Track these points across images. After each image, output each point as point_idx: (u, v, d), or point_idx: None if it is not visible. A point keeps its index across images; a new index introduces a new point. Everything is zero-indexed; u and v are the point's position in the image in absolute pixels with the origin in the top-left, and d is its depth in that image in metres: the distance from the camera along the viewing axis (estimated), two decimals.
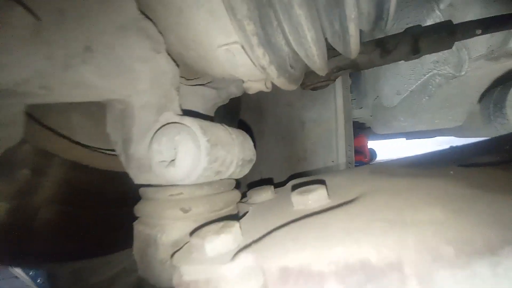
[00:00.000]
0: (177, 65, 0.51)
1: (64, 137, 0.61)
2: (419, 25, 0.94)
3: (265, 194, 0.65)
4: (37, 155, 0.56)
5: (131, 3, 0.46)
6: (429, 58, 1.49)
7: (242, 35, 0.41)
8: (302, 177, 1.17)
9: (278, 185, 0.70)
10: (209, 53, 0.48)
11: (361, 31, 0.58)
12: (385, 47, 1.01)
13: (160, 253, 0.44)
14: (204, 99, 0.63)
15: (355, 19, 0.42)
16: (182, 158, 0.41)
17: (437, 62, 1.50)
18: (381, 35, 0.98)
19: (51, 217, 0.58)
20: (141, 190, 0.51)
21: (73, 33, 0.39)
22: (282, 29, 0.45)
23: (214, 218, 0.49)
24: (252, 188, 0.72)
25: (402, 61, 1.65)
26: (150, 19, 0.48)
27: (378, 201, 0.36)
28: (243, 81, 0.56)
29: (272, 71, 0.45)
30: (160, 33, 0.49)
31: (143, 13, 0.48)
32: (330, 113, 1.32)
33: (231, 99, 0.73)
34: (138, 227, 0.49)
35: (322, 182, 0.51)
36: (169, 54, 0.50)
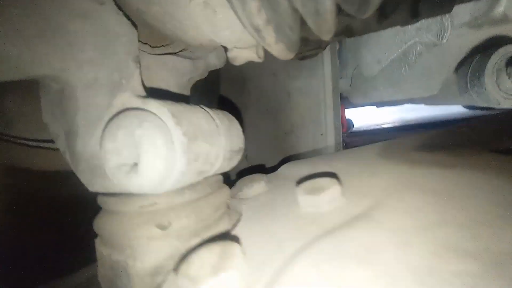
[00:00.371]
0: (135, 26, 0.36)
1: None
2: None
3: (257, 186, 0.55)
4: None
5: None
6: (411, 26, 1.43)
7: None
8: (294, 158, 1.07)
9: (268, 169, 0.60)
10: (180, 9, 0.34)
11: None
12: (383, 11, 0.90)
13: (136, 285, 0.33)
14: (176, 72, 0.49)
15: None
16: (148, 161, 0.28)
17: (420, 29, 1.46)
18: None
19: None
20: (100, 199, 0.38)
21: None
22: None
23: (201, 230, 0.38)
24: (241, 176, 0.61)
25: (385, 30, 1.56)
26: None
27: (417, 207, 0.28)
28: (226, 49, 0.42)
29: (269, 34, 0.32)
30: None
31: None
32: (318, 82, 1.21)
33: (210, 71, 0.59)
34: (101, 249, 0.37)
35: (331, 175, 0.42)
36: (121, 10, 0.34)
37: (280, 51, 0.38)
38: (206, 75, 0.55)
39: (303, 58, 1.09)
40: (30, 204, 0.48)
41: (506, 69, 1.15)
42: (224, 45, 0.40)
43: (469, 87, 1.34)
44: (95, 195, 0.42)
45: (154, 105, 0.31)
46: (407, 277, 0.20)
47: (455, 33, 1.31)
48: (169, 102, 0.32)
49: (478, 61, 1.27)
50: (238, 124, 0.46)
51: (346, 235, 0.29)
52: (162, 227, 0.34)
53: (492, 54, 1.18)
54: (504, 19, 1.19)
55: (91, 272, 0.48)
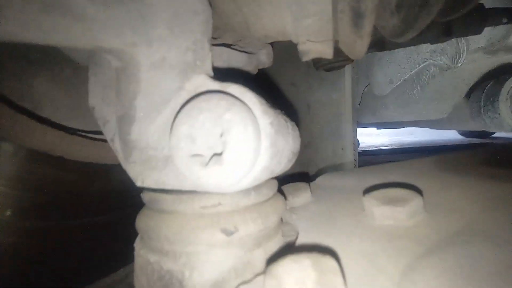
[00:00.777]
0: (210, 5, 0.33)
1: (25, 112, 0.39)
2: None
3: (303, 195, 0.50)
4: None
5: None
6: (426, 47, 1.45)
7: None
8: (314, 171, 1.03)
9: (287, 178, 0.56)
10: None
11: None
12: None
13: None
14: (230, 66, 0.45)
15: None
16: (237, 150, 0.24)
17: (434, 51, 1.47)
18: None
19: (8, 240, 0.37)
20: (149, 196, 0.33)
21: None
22: None
23: (263, 239, 0.33)
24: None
25: (399, 49, 1.58)
26: None
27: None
28: (297, 43, 0.39)
29: (370, 23, 0.29)
30: None
31: None
32: (339, 96, 1.20)
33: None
34: (146, 255, 0.32)
35: (406, 185, 0.38)
36: None
37: (363, 46, 0.35)
38: (256, 72, 0.52)
39: (329, 69, 1.08)
40: (60, 195, 0.42)
41: None
42: (296, 38, 0.37)
43: (482, 112, 1.34)
44: (128, 193, 0.37)
45: (238, 89, 0.27)
46: None
47: (470, 57, 1.33)
48: (250, 89, 0.29)
49: (492, 86, 1.29)
50: (296, 125, 0.42)
51: (461, 250, 0.25)
52: (228, 232, 0.29)
53: (506, 80, 1.20)
54: None
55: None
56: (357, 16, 0.31)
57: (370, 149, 3.72)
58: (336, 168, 1.14)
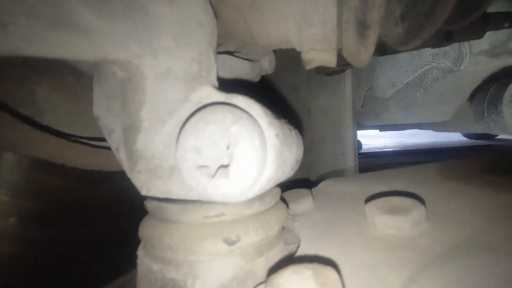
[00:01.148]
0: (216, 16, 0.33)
1: (27, 120, 0.39)
2: None
3: (305, 202, 0.50)
4: None
5: None
6: (428, 51, 1.45)
7: None
8: (315, 177, 1.03)
9: (288, 184, 0.56)
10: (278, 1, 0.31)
11: None
12: None
13: None
14: (232, 73, 0.46)
15: None
16: (244, 163, 0.24)
17: (437, 55, 1.47)
18: None
19: (8, 250, 0.37)
20: (153, 205, 0.33)
21: None
22: None
23: (265, 247, 0.33)
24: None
25: (400, 53, 1.58)
26: None
27: None
28: (301, 52, 0.39)
29: (374, 34, 0.29)
30: None
31: None
32: (339, 101, 1.20)
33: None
34: (148, 264, 0.32)
35: (409, 194, 0.38)
36: None
37: (367, 55, 0.35)
38: (258, 79, 0.52)
39: (330, 73, 1.08)
40: (62, 204, 0.43)
41: None
42: (300, 46, 0.37)
43: (486, 115, 1.34)
44: (130, 202, 0.37)
45: (244, 101, 0.27)
46: None
47: (472, 60, 1.33)
48: (256, 100, 0.29)
49: (495, 89, 1.29)
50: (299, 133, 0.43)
51: (462, 262, 0.25)
52: (230, 242, 0.29)
53: (509, 83, 1.20)
54: None
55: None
56: (362, 27, 0.31)
57: (372, 151, 3.71)
58: (337, 173, 1.14)
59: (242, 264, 0.30)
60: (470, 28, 0.95)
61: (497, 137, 3.58)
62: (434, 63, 1.47)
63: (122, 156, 0.34)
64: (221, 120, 0.25)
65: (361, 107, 2.02)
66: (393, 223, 0.33)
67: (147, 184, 0.32)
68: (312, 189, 0.60)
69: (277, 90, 1.26)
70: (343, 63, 1.01)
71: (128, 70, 0.30)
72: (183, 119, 0.28)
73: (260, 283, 0.28)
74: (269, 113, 0.28)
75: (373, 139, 4.50)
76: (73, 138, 0.44)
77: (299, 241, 0.38)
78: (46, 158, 0.39)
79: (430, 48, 1.45)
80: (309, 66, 0.40)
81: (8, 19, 0.20)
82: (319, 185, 0.62)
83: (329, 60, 0.38)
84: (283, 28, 0.35)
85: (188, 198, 0.30)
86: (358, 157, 1.29)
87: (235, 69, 0.46)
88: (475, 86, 1.45)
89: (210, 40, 0.31)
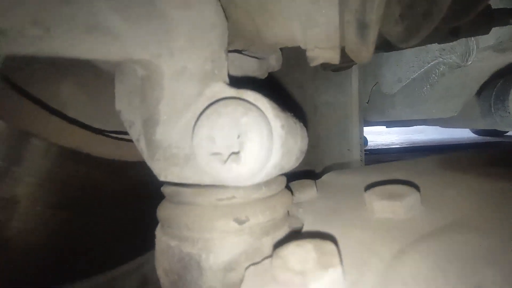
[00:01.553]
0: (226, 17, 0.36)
1: (54, 112, 0.44)
2: None
3: (309, 191, 0.53)
4: (13, 137, 0.39)
5: None
6: (435, 46, 1.44)
7: None
8: (321, 171, 1.05)
9: (295, 176, 0.59)
10: (283, 2, 0.35)
11: None
12: None
13: (207, 280, 0.32)
14: (241, 71, 0.49)
15: None
16: (253, 150, 0.28)
17: (443, 50, 1.47)
18: None
19: (39, 227, 0.42)
20: (170, 189, 0.37)
21: None
22: None
23: (271, 228, 0.37)
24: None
25: (407, 49, 1.58)
26: None
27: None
28: (305, 50, 0.42)
29: (374, 33, 0.32)
30: None
31: None
32: (346, 97, 1.22)
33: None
34: (167, 241, 0.36)
35: (405, 182, 0.41)
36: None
37: (369, 52, 0.38)
38: (266, 75, 0.55)
39: (336, 69, 1.10)
40: (88, 190, 0.47)
41: None
42: (305, 44, 0.40)
43: (492, 111, 1.34)
44: (147, 189, 0.40)
45: (252, 95, 0.30)
46: None
47: (479, 56, 1.32)
48: (263, 95, 0.32)
49: (502, 85, 1.28)
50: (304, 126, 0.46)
51: (449, 238, 0.27)
52: (240, 222, 0.33)
53: None
54: None
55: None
56: (362, 27, 0.34)
57: (379, 147, 3.69)
58: (342, 168, 1.16)
59: (250, 241, 0.34)
60: (476, 24, 0.95)
61: (507, 134, 3.52)
62: (441, 58, 1.47)
63: (142, 146, 0.37)
64: (232, 112, 0.28)
65: (367, 103, 2.02)
66: (389, 208, 0.36)
67: (165, 171, 0.36)
68: (317, 180, 0.63)
69: (284, 87, 1.29)
70: (347, 60, 1.03)
71: (148, 68, 0.34)
72: (198, 112, 0.32)
73: (267, 257, 0.31)
74: (275, 106, 0.31)
75: (380, 136, 4.47)
76: (96, 130, 0.48)
77: (303, 224, 0.41)
78: (73, 147, 0.43)
79: (436, 43, 1.45)
80: (313, 63, 0.43)
81: (51, 24, 0.24)
82: (323, 177, 0.65)
83: (333, 57, 0.41)
84: (289, 28, 0.38)
85: (202, 183, 0.34)
86: (365, 154, 1.31)
87: (243, 67, 0.49)
88: (482, 81, 1.45)
89: (222, 40, 0.35)
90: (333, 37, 0.37)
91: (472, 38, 1.39)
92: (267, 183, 0.37)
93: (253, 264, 0.31)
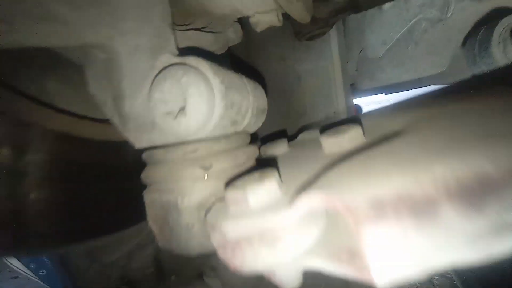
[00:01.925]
0: None
1: (46, 104, 0.51)
2: None
3: (281, 148, 0.59)
4: (16, 127, 0.47)
5: None
6: (415, 2, 1.44)
7: None
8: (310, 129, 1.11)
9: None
10: None
11: None
12: None
13: (185, 218, 0.39)
14: (199, 46, 0.54)
15: None
16: (195, 103, 0.33)
17: (423, 5, 1.46)
18: None
19: (46, 196, 0.50)
20: (147, 154, 0.43)
21: None
22: None
23: (234, 172, 0.43)
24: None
25: (388, 9, 1.58)
26: None
27: (442, 122, 0.31)
28: (248, 17, 0.47)
29: None
30: None
31: None
32: (326, 63, 1.25)
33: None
34: (151, 195, 0.42)
35: (353, 121, 0.46)
36: None
37: (300, 9, 0.42)
38: (225, 49, 0.60)
39: (311, 38, 1.13)
40: (81, 167, 0.55)
41: (511, 38, 1.16)
42: (246, 11, 0.45)
43: (478, 60, 1.34)
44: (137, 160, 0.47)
45: (193, 59, 0.36)
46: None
47: (458, 6, 1.31)
48: (205, 59, 0.37)
49: (484, 33, 1.28)
50: (261, 88, 0.51)
51: (376, 149, 0.32)
52: (205, 168, 0.39)
53: (496, 25, 1.19)
54: None
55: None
56: None
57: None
58: None
59: (217, 184, 0.40)
60: None
61: None
62: (421, 15, 1.47)
63: (116, 120, 0.44)
64: (174, 74, 0.34)
65: (356, 70, 2.02)
66: (335, 143, 0.42)
67: (138, 139, 0.42)
68: (292, 141, 0.69)
69: (267, 62, 1.32)
70: (318, 27, 1.05)
71: (105, 51, 0.39)
72: (151, 81, 0.37)
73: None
74: (214, 66, 0.36)
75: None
76: (82, 116, 0.55)
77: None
78: (65, 131, 0.51)
79: (412, 0, 1.45)
80: (258, 29, 0.47)
81: (12, 19, 0.30)
82: (298, 136, 0.70)
83: (273, 20, 0.45)
84: None
85: (168, 142, 0.40)
86: None
87: (201, 42, 0.54)
88: (465, 32, 1.44)
89: (165, 16, 0.39)
90: (267, 1, 0.41)
91: None
92: (227, 136, 0.43)
93: (218, 200, 0.38)
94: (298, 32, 1.09)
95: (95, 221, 0.56)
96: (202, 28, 0.56)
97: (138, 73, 0.39)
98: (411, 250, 0.19)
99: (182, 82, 0.33)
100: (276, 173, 0.31)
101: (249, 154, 0.45)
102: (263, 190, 0.29)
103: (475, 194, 0.17)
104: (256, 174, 0.32)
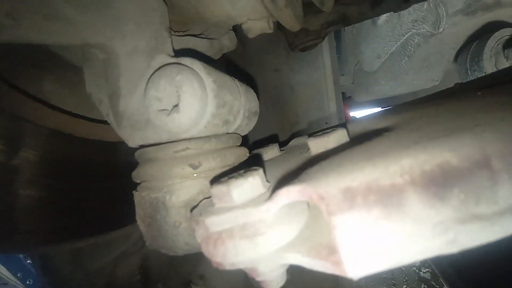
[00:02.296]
0: (165, 3, 0.43)
1: (40, 101, 0.52)
2: None
3: (271, 152, 0.60)
4: (12, 123, 0.48)
5: None
6: (407, 18, 1.49)
7: None
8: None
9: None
10: None
11: None
12: None
13: (172, 216, 0.39)
14: (194, 50, 0.56)
15: None
16: (188, 100, 0.35)
17: (416, 21, 1.52)
18: None
19: (35, 193, 0.50)
20: (139, 152, 0.44)
21: None
22: None
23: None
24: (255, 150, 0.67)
25: (382, 24, 1.63)
26: None
27: (419, 122, 0.33)
28: (241, 24, 0.49)
29: (281, 0, 0.39)
30: None
31: None
32: (319, 74, 1.28)
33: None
34: (140, 193, 0.43)
35: (340, 126, 0.48)
36: None
37: (289, 16, 0.45)
38: (220, 55, 0.62)
39: (304, 49, 1.16)
40: (72, 165, 0.55)
41: (503, 52, 1.20)
42: (240, 18, 0.47)
43: (469, 73, 1.38)
44: (129, 161, 0.48)
45: (188, 60, 0.37)
46: None
47: (451, 21, 1.36)
48: (199, 60, 0.39)
49: (476, 47, 1.33)
50: (253, 91, 0.52)
51: (357, 146, 0.34)
52: (194, 166, 0.40)
53: (488, 38, 1.24)
54: (496, 4, 1.25)
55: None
56: None
57: None
58: None
59: (205, 183, 0.41)
60: None
61: None
62: (414, 30, 1.52)
63: (111, 118, 0.45)
64: (169, 73, 0.35)
65: (352, 83, 2.07)
66: (321, 144, 0.43)
67: (131, 137, 0.43)
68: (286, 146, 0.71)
69: (262, 73, 1.35)
70: (311, 38, 1.08)
71: (105, 51, 0.41)
72: (147, 80, 0.39)
73: None
74: (208, 67, 0.38)
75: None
76: (76, 115, 0.56)
77: None
78: (58, 129, 0.51)
79: (410, 14, 1.50)
80: (250, 35, 0.50)
81: (18, 15, 0.31)
82: (290, 142, 0.72)
83: (264, 27, 0.48)
84: (220, 4, 0.44)
85: (161, 140, 0.41)
86: None
87: (196, 47, 0.56)
88: (458, 47, 1.49)
89: (162, 20, 0.42)
90: (258, 8, 0.44)
91: (441, 5, 1.44)
92: (218, 136, 0.44)
93: (205, 198, 0.39)
94: (291, 43, 1.13)
95: (84, 220, 0.56)
96: (198, 34, 0.58)
97: (135, 73, 0.41)
98: (381, 239, 0.20)
99: (176, 80, 0.35)
100: (260, 171, 0.32)
101: (238, 155, 0.46)
102: (247, 186, 0.30)
103: (438, 183, 0.18)
104: (241, 172, 0.33)
